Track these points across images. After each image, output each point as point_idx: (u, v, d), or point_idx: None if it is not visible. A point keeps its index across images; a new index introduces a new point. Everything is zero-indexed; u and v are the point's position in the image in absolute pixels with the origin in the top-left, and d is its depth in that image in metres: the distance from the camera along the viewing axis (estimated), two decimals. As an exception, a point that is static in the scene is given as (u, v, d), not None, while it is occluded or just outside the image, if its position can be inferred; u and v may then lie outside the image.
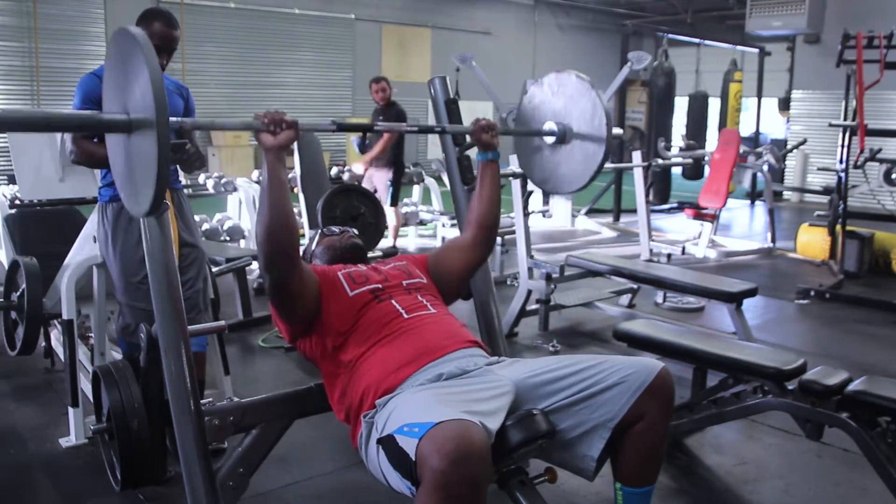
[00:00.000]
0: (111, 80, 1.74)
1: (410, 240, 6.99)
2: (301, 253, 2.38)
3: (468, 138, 2.29)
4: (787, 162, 9.83)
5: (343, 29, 13.05)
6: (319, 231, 2.36)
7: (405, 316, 1.94)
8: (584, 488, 2.41)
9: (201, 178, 6.03)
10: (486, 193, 2.20)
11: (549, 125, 2.33)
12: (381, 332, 1.90)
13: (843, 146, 5.48)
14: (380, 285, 2.02)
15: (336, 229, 2.37)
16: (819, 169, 9.23)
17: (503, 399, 1.70)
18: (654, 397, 1.75)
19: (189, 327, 1.90)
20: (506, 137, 2.33)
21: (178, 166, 2.82)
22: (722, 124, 10.29)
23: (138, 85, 1.55)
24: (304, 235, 4.78)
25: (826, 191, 7.70)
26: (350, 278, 2.02)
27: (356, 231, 2.41)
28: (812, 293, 5.08)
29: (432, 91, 2.49)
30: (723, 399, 2.61)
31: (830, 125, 5.85)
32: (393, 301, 1.98)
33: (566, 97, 2.31)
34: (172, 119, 1.62)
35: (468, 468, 1.42)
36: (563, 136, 2.30)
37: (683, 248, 6.38)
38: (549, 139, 2.34)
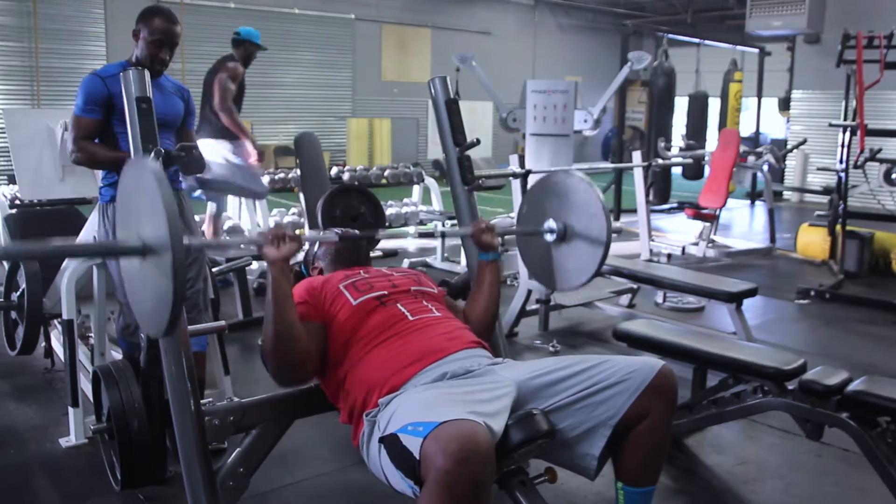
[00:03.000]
0: (124, 205, 1.76)
1: (411, 240, 6.99)
2: (304, 256, 2.39)
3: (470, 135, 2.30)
4: (787, 162, 9.83)
5: (343, 29, 13.05)
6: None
7: (410, 318, 1.95)
8: (585, 488, 2.41)
9: (201, 178, 6.01)
10: (485, 295, 2.21)
11: (550, 224, 2.35)
12: (386, 332, 1.91)
13: (843, 146, 5.48)
14: (386, 292, 2.02)
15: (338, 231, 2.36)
16: (819, 169, 9.22)
17: (505, 399, 1.70)
18: (656, 396, 1.75)
19: (189, 327, 1.91)
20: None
21: (179, 167, 2.82)
22: (722, 124, 10.29)
23: (152, 213, 1.57)
24: (303, 237, 4.77)
25: (826, 191, 7.71)
26: (353, 287, 2.02)
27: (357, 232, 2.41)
28: (812, 293, 5.08)
29: (432, 91, 2.50)
30: (723, 399, 2.61)
31: (830, 125, 5.85)
32: (399, 305, 1.98)
33: (566, 196, 2.34)
34: (184, 240, 1.63)
35: (473, 468, 1.42)
36: (564, 235, 2.33)
37: (683, 248, 6.38)
38: (550, 237, 2.36)
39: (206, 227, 5.13)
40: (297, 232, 1.90)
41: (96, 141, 2.69)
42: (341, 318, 1.95)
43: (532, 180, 3.24)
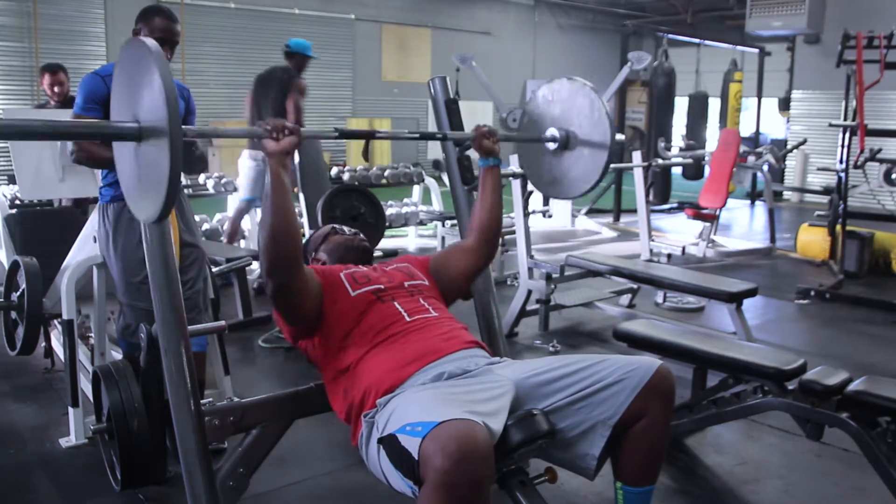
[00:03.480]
0: (120, 88, 1.74)
1: (410, 240, 6.99)
2: (304, 244, 2.39)
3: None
4: (787, 162, 9.83)
5: (343, 29, 13.05)
6: (331, 227, 2.35)
7: (407, 319, 1.95)
8: (585, 488, 2.41)
9: (201, 178, 6.03)
10: (487, 199, 2.22)
11: (552, 131, 2.33)
12: (383, 333, 1.91)
13: (843, 146, 5.47)
14: (382, 286, 2.03)
15: (346, 229, 2.37)
16: (819, 169, 9.23)
17: (504, 399, 1.70)
18: (653, 395, 1.75)
19: (189, 327, 1.90)
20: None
21: None
22: (722, 124, 10.29)
23: (149, 93, 1.55)
24: (304, 236, 4.79)
25: (826, 191, 7.71)
26: (352, 279, 2.03)
27: (362, 235, 2.41)
28: (812, 293, 5.08)
29: (432, 91, 2.50)
30: (723, 399, 2.61)
31: (830, 125, 5.85)
32: (395, 303, 1.98)
33: (569, 103, 2.31)
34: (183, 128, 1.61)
35: (472, 468, 1.42)
36: (567, 142, 2.31)
37: (683, 248, 6.38)
38: (552, 145, 2.34)
39: (228, 226, 5.42)
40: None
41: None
42: (339, 308, 1.95)
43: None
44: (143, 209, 1.68)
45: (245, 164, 5.20)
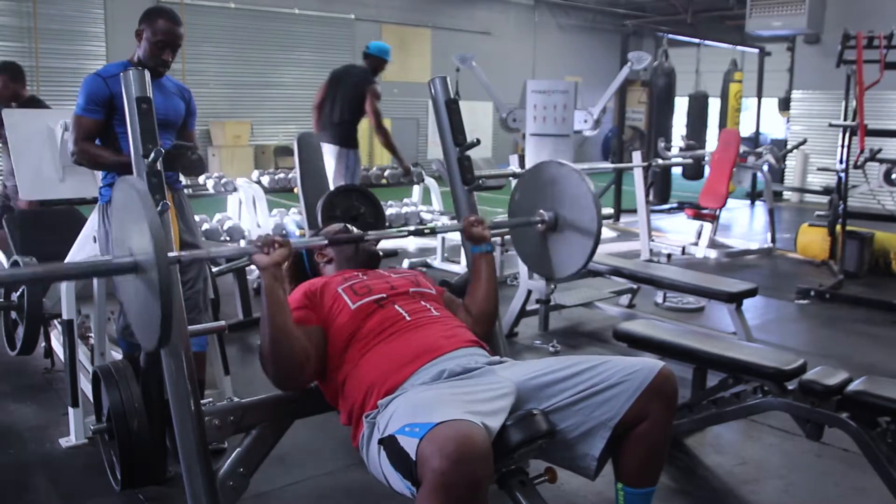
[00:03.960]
0: (118, 222, 1.79)
1: (410, 240, 6.99)
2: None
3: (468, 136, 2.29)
4: (787, 162, 9.83)
5: (343, 29, 13.05)
6: (342, 226, 2.33)
7: (407, 318, 1.95)
8: (585, 488, 2.41)
9: (201, 178, 6.03)
10: (482, 287, 2.22)
11: (541, 214, 2.37)
12: (383, 333, 1.91)
13: (843, 146, 5.47)
14: (384, 294, 2.02)
15: (352, 231, 2.35)
16: (819, 169, 9.22)
17: (505, 400, 1.70)
18: (655, 397, 1.74)
19: (189, 327, 1.91)
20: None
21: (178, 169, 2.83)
22: (722, 124, 10.28)
23: (139, 231, 1.60)
24: (303, 236, 4.78)
25: (826, 191, 7.70)
26: (351, 291, 2.02)
27: (363, 233, 2.40)
28: (812, 293, 5.08)
29: (432, 91, 2.50)
30: (723, 399, 2.61)
31: (830, 125, 5.85)
32: (396, 306, 1.98)
33: (560, 185, 2.36)
34: (171, 255, 1.67)
35: (469, 468, 1.42)
36: (555, 224, 2.35)
37: (683, 248, 6.38)
38: (541, 227, 2.38)
39: None
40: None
41: (98, 142, 2.69)
42: (340, 323, 1.95)
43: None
44: (146, 338, 1.70)
45: (329, 162, 5.37)
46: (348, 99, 5.46)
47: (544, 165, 2.44)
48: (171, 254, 1.63)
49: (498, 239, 5.00)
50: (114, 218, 1.80)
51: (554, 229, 2.36)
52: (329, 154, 5.37)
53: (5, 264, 3.66)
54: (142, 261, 1.61)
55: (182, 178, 2.96)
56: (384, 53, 5.72)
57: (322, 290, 2.04)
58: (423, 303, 2.04)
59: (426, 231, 2.41)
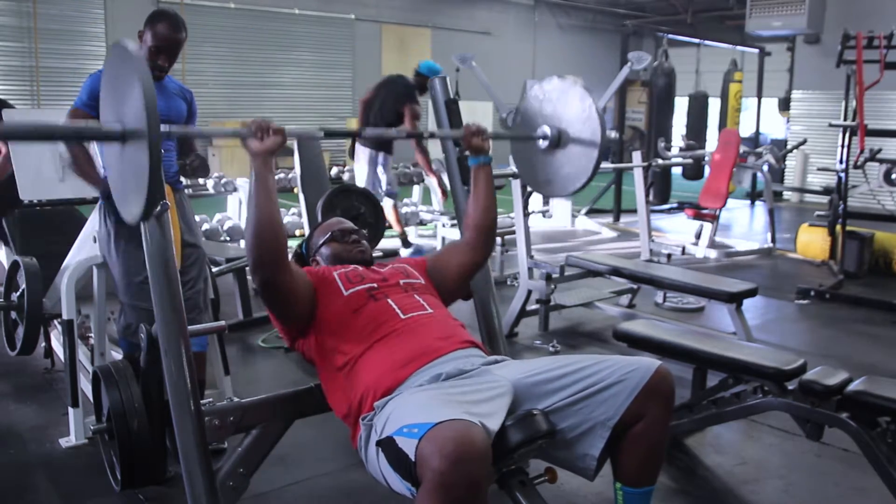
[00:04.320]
0: (107, 91, 1.78)
1: (410, 240, 6.98)
2: (306, 244, 2.39)
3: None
4: (787, 162, 9.83)
5: (343, 29, 13.05)
6: (329, 232, 2.32)
7: (401, 316, 1.94)
8: (585, 488, 2.41)
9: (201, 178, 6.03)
10: (480, 197, 2.22)
11: (543, 129, 2.34)
12: (378, 331, 1.91)
13: (843, 146, 5.47)
14: (375, 284, 2.03)
15: (347, 227, 2.35)
16: (819, 169, 9.22)
17: (502, 400, 1.70)
18: (653, 396, 1.74)
19: (189, 327, 1.90)
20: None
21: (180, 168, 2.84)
22: (722, 124, 10.28)
23: (131, 98, 1.60)
24: (303, 236, 4.78)
25: (826, 191, 7.70)
26: (346, 277, 2.04)
27: (365, 232, 2.40)
28: (812, 293, 5.08)
29: (432, 91, 2.50)
30: (723, 399, 2.61)
31: (830, 125, 5.85)
32: (389, 300, 1.98)
33: (560, 101, 2.33)
34: (163, 127, 1.67)
35: (469, 468, 1.42)
36: (558, 140, 2.32)
37: (683, 248, 6.38)
38: (543, 143, 2.35)
39: (391, 215, 5.80)
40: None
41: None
42: (333, 307, 1.96)
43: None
44: (128, 210, 1.72)
45: (361, 163, 5.55)
46: (386, 109, 5.56)
47: (546, 82, 2.39)
48: (162, 127, 1.62)
49: (499, 239, 5.00)
50: (104, 83, 1.79)
51: (557, 145, 2.33)
52: (361, 155, 5.52)
53: (5, 264, 3.66)
54: (132, 129, 1.61)
55: (182, 178, 2.96)
56: (433, 74, 5.76)
57: (318, 272, 2.08)
58: (416, 296, 2.03)
59: (425, 135, 2.35)
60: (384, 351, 1.87)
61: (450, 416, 1.50)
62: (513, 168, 4.39)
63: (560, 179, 2.38)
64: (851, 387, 2.30)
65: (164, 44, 2.64)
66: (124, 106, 1.64)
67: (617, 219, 8.46)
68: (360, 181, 5.58)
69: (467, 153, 2.31)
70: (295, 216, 6.02)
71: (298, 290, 1.94)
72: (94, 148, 3.03)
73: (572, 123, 2.29)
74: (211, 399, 2.34)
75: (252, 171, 1.85)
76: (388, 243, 5.84)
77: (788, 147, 9.17)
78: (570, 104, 2.30)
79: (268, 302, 1.95)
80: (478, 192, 2.22)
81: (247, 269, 4.21)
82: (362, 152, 5.52)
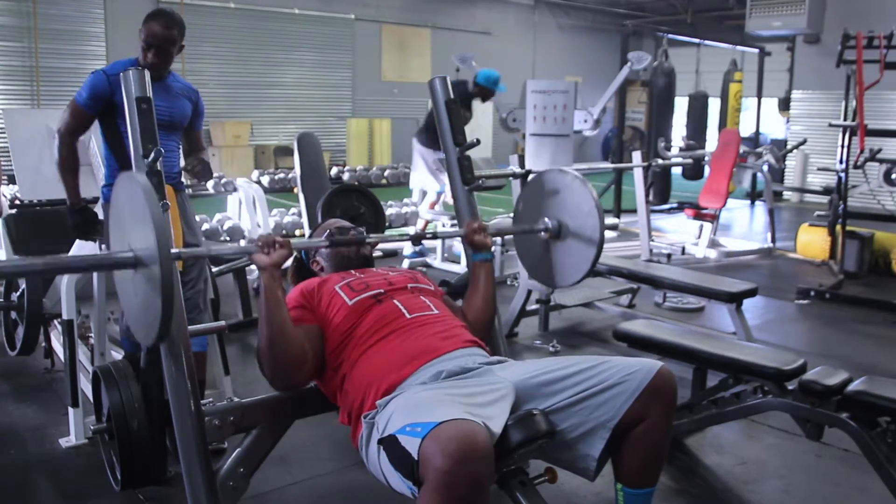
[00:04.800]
0: (116, 219, 1.78)
1: (408, 240, 6.98)
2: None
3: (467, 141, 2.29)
4: (787, 162, 9.83)
5: (343, 29, 13.05)
6: (328, 231, 2.32)
7: (407, 315, 1.95)
8: (585, 488, 2.41)
9: (201, 178, 6.02)
10: (480, 294, 2.22)
11: (544, 222, 2.38)
12: (382, 330, 1.91)
13: (843, 146, 5.47)
14: (382, 290, 2.03)
15: (345, 226, 2.35)
16: (819, 169, 9.22)
17: (504, 402, 1.70)
18: (654, 397, 1.74)
19: (189, 327, 1.91)
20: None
21: (182, 171, 2.85)
22: (722, 124, 10.28)
23: (143, 226, 1.59)
24: (303, 236, 4.77)
25: (826, 191, 7.70)
26: (349, 288, 2.03)
27: (363, 230, 2.40)
28: (812, 293, 5.08)
29: (432, 91, 2.50)
30: (723, 399, 2.61)
31: (830, 125, 5.84)
32: (395, 301, 1.99)
33: (563, 194, 2.36)
34: (172, 251, 1.67)
35: (472, 468, 1.42)
36: (559, 232, 2.36)
37: (683, 248, 6.38)
38: (545, 235, 2.39)
39: (426, 209, 6.02)
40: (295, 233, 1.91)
41: (104, 142, 2.72)
42: (338, 320, 1.95)
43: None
44: (144, 333, 1.70)
45: (415, 158, 5.87)
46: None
47: (548, 174, 2.45)
48: (172, 250, 1.63)
49: (498, 239, 5.00)
50: (113, 213, 1.80)
51: (557, 237, 2.36)
52: (415, 151, 5.85)
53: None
54: (143, 256, 1.61)
55: (183, 178, 2.96)
56: (491, 83, 5.91)
57: (319, 289, 2.04)
58: (422, 298, 2.04)
59: (428, 236, 2.42)
60: (387, 349, 1.87)
61: (453, 415, 1.50)
62: (513, 168, 4.39)
63: (558, 271, 2.42)
64: (851, 387, 2.30)
65: (153, 41, 2.64)
66: (135, 233, 1.65)
67: (617, 219, 8.45)
68: (421, 184, 5.78)
69: (470, 149, 2.32)
70: (295, 216, 6.01)
71: (315, 353, 1.94)
72: (93, 148, 3.03)
73: (573, 217, 2.33)
74: (211, 399, 2.34)
75: (261, 285, 1.85)
76: (389, 243, 5.84)
77: (788, 147, 9.17)
78: (571, 197, 2.34)
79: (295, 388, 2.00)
80: (478, 287, 2.23)
81: (247, 269, 4.23)
82: (416, 147, 5.83)
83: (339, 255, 2.24)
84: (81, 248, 2.93)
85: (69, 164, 2.71)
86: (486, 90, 5.89)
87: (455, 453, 1.41)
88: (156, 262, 1.54)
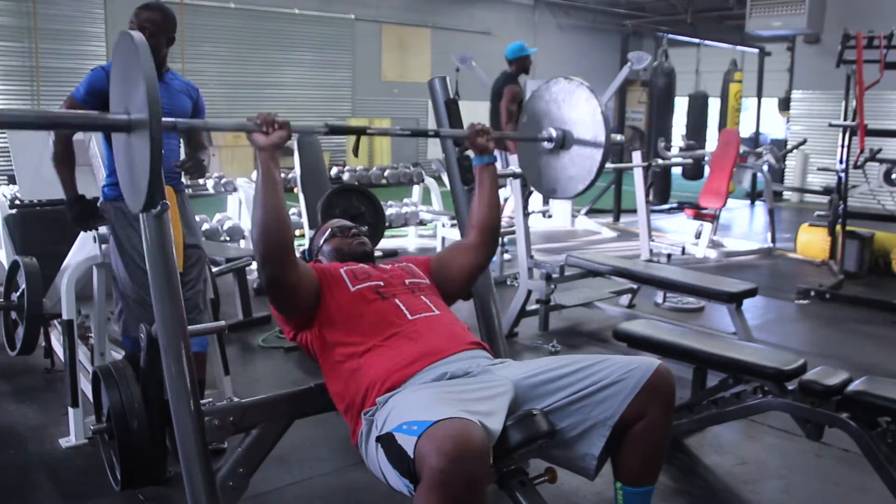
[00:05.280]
0: (116, 82, 1.79)
1: (410, 240, 6.99)
2: (306, 245, 2.39)
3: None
4: (787, 162, 9.83)
5: (343, 29, 13.05)
6: (329, 229, 2.34)
7: (409, 317, 1.95)
8: (585, 488, 2.41)
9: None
10: (485, 197, 2.22)
11: (548, 131, 2.35)
12: (386, 331, 1.91)
13: (843, 146, 5.47)
14: (382, 282, 2.03)
15: (346, 224, 2.36)
16: (819, 169, 9.23)
17: (501, 399, 1.70)
18: (652, 395, 1.74)
19: (189, 327, 1.90)
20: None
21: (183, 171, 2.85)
22: (722, 124, 10.29)
23: (136, 87, 1.62)
24: (303, 236, 4.77)
25: (826, 191, 7.71)
26: (352, 274, 2.04)
27: (365, 228, 2.41)
28: (812, 293, 5.08)
29: (432, 91, 2.50)
30: (723, 399, 2.61)
31: (830, 125, 5.85)
32: (397, 300, 1.99)
33: (566, 102, 2.33)
34: (167, 119, 1.69)
35: (467, 467, 1.42)
36: (563, 141, 2.32)
37: (683, 248, 6.38)
38: (548, 145, 2.35)
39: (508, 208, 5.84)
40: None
41: (103, 140, 2.72)
42: (339, 301, 1.96)
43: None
44: (133, 199, 1.73)
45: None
46: (493, 104, 5.91)
47: (553, 83, 2.40)
48: (164, 119, 1.64)
49: (498, 236, 4.99)
50: (113, 74, 1.82)
51: (562, 147, 2.33)
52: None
53: (5, 264, 3.66)
54: (136, 118, 1.62)
55: (183, 178, 2.97)
56: (520, 52, 6.04)
57: (324, 269, 2.07)
58: (423, 297, 2.04)
59: (430, 133, 2.36)
60: (391, 350, 1.87)
61: (449, 414, 1.50)
62: (513, 168, 4.39)
63: (564, 181, 2.38)
64: (851, 387, 2.30)
65: (138, 24, 2.64)
66: (130, 96, 1.66)
67: (617, 219, 8.46)
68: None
69: (470, 153, 2.32)
70: (295, 216, 6.01)
71: (304, 284, 1.94)
72: (93, 148, 3.03)
73: (577, 125, 2.30)
74: (211, 399, 2.33)
75: (258, 165, 1.85)
76: (388, 243, 5.84)
77: (788, 147, 9.18)
78: (576, 106, 2.30)
79: (273, 295, 1.95)
80: (482, 191, 2.23)
81: (246, 269, 4.23)
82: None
83: (341, 249, 2.25)
84: (83, 244, 2.93)
85: (64, 159, 2.71)
86: (520, 60, 6.03)
87: (450, 452, 1.41)
88: (146, 125, 1.56)
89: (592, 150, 2.26)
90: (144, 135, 1.59)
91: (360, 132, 2.19)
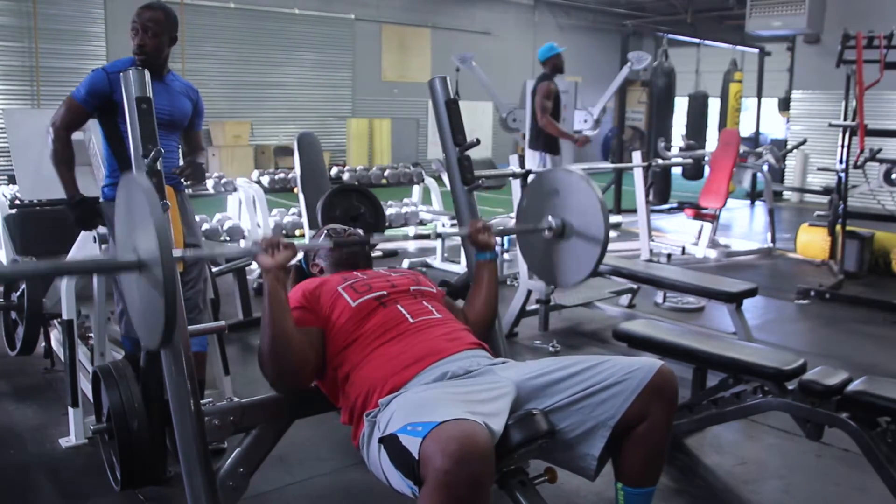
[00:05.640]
0: (121, 220, 1.78)
1: (410, 240, 6.98)
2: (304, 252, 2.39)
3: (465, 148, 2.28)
4: (787, 162, 9.83)
5: (343, 29, 13.05)
6: (325, 232, 2.34)
7: (411, 321, 1.95)
8: (585, 488, 2.41)
9: (200, 178, 6.01)
10: (482, 296, 2.23)
11: (548, 221, 2.37)
12: (387, 334, 1.91)
13: (843, 146, 5.47)
14: (385, 292, 2.02)
15: (341, 228, 2.36)
16: (819, 169, 9.22)
17: (504, 400, 1.70)
18: (655, 396, 1.74)
19: (189, 327, 1.91)
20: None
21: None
22: (722, 124, 10.28)
23: (144, 230, 1.60)
24: (303, 236, 4.76)
25: (826, 191, 7.70)
26: (352, 290, 2.02)
27: (361, 231, 2.41)
28: (812, 293, 5.08)
29: (432, 91, 2.50)
30: (723, 399, 2.61)
31: (830, 125, 5.85)
32: (398, 306, 1.98)
33: (567, 193, 2.36)
34: (176, 252, 1.67)
35: (472, 468, 1.42)
36: (562, 231, 2.35)
37: (683, 248, 6.38)
38: (549, 234, 2.38)
39: None
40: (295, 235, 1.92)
41: (104, 142, 2.71)
42: (341, 322, 1.95)
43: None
44: (148, 336, 1.70)
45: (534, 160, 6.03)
46: (531, 104, 6.03)
47: (552, 172, 2.45)
48: (175, 252, 1.62)
49: (498, 239, 5.00)
50: (117, 216, 1.80)
51: (561, 236, 2.36)
52: (530, 159, 6.04)
53: (5, 264, 3.66)
54: (146, 259, 1.60)
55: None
56: (550, 51, 6.09)
57: (320, 290, 2.03)
58: (425, 303, 2.04)
59: (431, 236, 2.42)
60: (392, 352, 1.87)
61: (454, 415, 1.50)
62: (513, 168, 4.39)
63: (562, 271, 2.41)
64: (851, 387, 2.30)
65: (137, 22, 2.64)
66: (138, 236, 1.65)
67: (619, 216, 8.45)
68: None
69: (470, 149, 2.31)
70: (295, 216, 6.01)
71: (317, 357, 1.93)
72: (93, 147, 3.03)
73: (578, 216, 2.32)
74: (211, 399, 2.34)
75: (265, 286, 1.83)
76: (388, 244, 5.83)
77: (788, 147, 9.17)
78: (577, 197, 2.33)
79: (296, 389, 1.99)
80: (480, 289, 2.23)
81: (247, 269, 4.23)
82: (531, 156, 6.00)
83: (338, 256, 2.24)
84: (83, 245, 2.93)
85: (64, 157, 2.70)
86: (552, 59, 6.08)
87: (455, 453, 1.41)
88: (158, 266, 1.54)
89: (591, 244, 2.29)
90: (155, 274, 1.57)
91: (363, 242, 2.22)
